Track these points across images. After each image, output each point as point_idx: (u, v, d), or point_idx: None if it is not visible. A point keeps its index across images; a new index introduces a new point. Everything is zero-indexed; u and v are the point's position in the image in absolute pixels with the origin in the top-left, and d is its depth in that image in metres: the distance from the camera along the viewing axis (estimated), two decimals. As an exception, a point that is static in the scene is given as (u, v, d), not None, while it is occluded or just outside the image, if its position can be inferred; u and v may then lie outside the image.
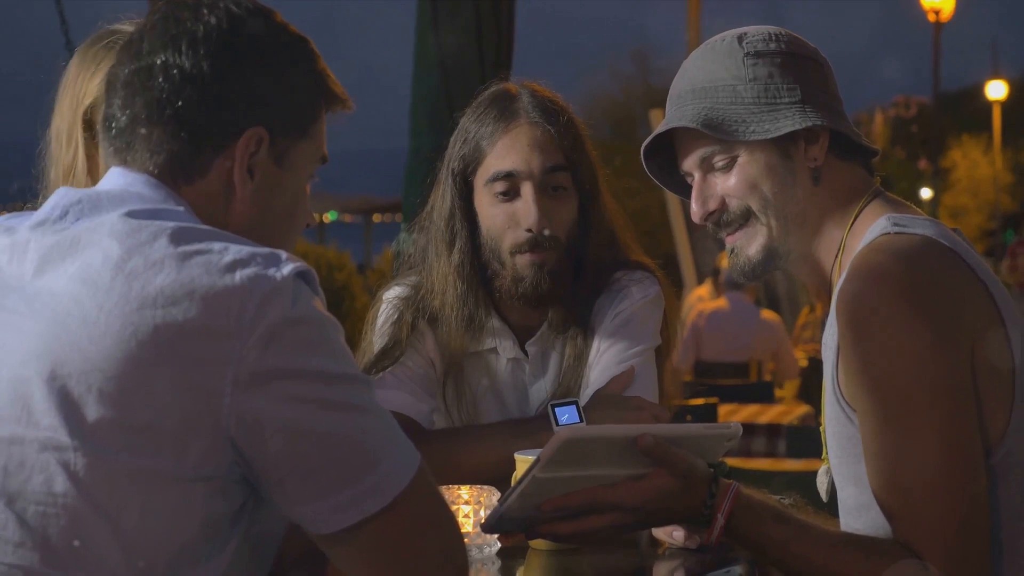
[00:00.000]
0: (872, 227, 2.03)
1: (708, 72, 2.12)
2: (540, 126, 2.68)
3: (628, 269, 2.76)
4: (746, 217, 2.11)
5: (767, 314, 9.56)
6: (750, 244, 2.12)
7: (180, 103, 1.65)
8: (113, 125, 1.70)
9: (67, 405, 1.51)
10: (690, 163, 2.15)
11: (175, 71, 1.65)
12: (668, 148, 2.20)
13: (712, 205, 2.13)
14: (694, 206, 2.15)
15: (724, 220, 2.13)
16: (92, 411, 1.50)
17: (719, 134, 2.08)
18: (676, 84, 2.17)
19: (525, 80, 2.80)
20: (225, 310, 1.51)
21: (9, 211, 1.79)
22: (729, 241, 2.14)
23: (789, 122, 2.06)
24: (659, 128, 2.15)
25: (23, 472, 1.53)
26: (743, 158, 2.09)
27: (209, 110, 1.66)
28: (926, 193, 35.75)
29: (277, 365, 1.52)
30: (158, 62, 1.66)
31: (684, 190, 2.21)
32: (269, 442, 1.53)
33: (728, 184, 2.11)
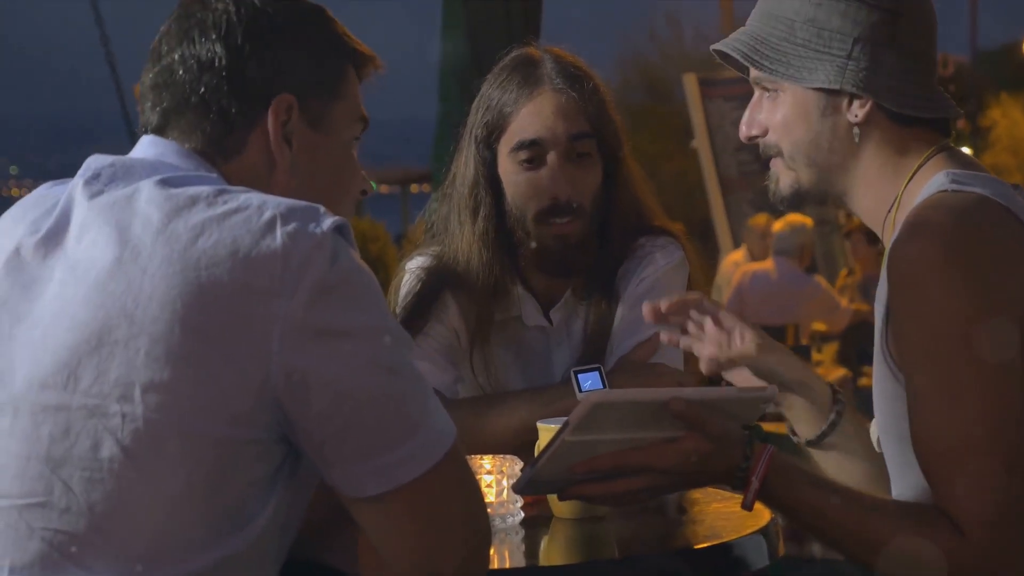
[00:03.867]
0: (929, 183, 1.98)
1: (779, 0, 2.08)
2: (564, 92, 2.66)
3: (652, 235, 2.74)
4: (777, 155, 2.08)
5: (815, 278, 9.51)
6: (781, 177, 2.10)
7: (203, 90, 1.70)
8: (148, 128, 1.74)
9: (114, 371, 1.52)
10: (751, 77, 2.11)
11: (192, 62, 1.70)
12: None
13: (755, 130, 2.10)
14: (742, 124, 2.12)
15: (762, 149, 2.11)
16: (140, 376, 1.51)
17: (754, 66, 2.05)
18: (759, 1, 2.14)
19: (547, 45, 2.78)
20: (268, 269, 1.52)
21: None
22: (772, 165, 2.12)
23: (823, 76, 2.01)
24: (718, 44, 2.13)
25: (69, 438, 1.54)
26: (785, 95, 2.05)
27: (231, 89, 1.70)
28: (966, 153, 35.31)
29: (324, 323, 1.53)
30: (176, 58, 1.71)
31: None
32: (314, 401, 1.54)
33: (773, 115, 2.07)
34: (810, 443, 2.21)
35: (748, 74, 2.12)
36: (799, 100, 2.04)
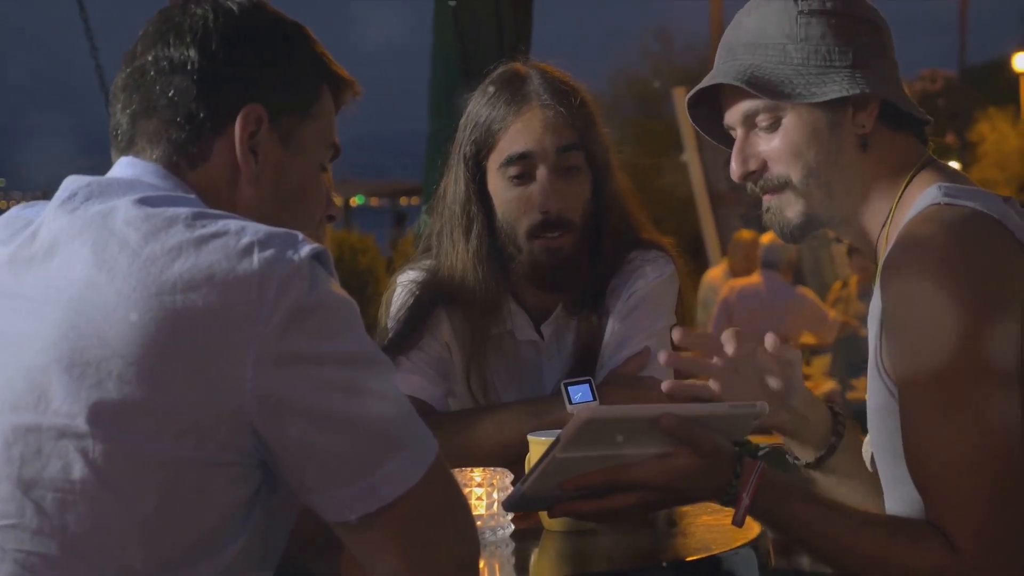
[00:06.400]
0: (921, 197, 1.98)
1: (760, 27, 2.07)
2: (552, 108, 2.67)
3: (642, 249, 2.75)
4: (784, 186, 2.07)
5: (802, 290, 9.53)
6: (788, 208, 2.08)
7: (172, 92, 1.67)
8: (118, 132, 1.72)
9: (86, 392, 1.50)
10: (734, 118, 2.10)
11: (164, 63, 1.68)
12: (716, 98, 2.14)
13: (752, 165, 2.09)
14: (733, 164, 2.10)
15: (763, 184, 2.09)
16: (111, 397, 1.49)
17: (764, 94, 2.03)
18: (727, 36, 2.12)
19: (534, 61, 2.79)
20: (244, 294, 1.50)
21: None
22: (766, 200, 2.10)
23: (837, 87, 2.01)
24: (704, 82, 2.11)
25: (40, 460, 1.52)
26: (788, 120, 2.04)
27: (201, 93, 1.67)
28: (954, 167, 35.31)
29: (299, 349, 1.51)
30: (149, 59, 1.69)
31: (728, 141, 2.17)
32: (290, 428, 1.52)
33: (772, 146, 2.06)
34: (810, 466, 2.22)
35: (727, 118, 2.11)
36: (806, 120, 2.03)
